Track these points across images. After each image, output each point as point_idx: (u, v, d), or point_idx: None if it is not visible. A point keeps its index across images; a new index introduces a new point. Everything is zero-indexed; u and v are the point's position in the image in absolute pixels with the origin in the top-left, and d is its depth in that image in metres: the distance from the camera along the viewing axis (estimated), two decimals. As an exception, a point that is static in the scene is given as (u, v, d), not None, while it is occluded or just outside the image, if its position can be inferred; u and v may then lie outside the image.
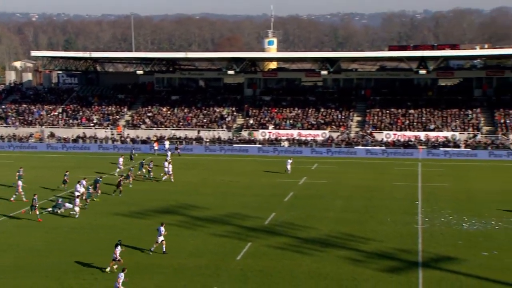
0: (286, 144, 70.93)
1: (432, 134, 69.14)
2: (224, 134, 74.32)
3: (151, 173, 52.37)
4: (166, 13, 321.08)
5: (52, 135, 76.55)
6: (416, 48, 76.14)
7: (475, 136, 67.78)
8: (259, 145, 71.13)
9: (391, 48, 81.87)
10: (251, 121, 75.92)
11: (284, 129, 73.89)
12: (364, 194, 46.18)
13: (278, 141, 71.73)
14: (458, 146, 66.49)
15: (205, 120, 77.46)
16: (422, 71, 71.73)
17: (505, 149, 65.11)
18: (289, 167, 54.44)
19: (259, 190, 48.61)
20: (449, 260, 30.56)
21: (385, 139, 69.56)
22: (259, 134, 73.50)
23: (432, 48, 77.29)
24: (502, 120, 69.83)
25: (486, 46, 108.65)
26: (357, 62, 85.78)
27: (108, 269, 28.73)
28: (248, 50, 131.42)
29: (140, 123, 78.24)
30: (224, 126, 75.98)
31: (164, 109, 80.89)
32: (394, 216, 39.56)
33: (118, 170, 54.32)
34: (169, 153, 60.34)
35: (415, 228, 36.44)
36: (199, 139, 73.76)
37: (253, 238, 34.94)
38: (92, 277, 28.05)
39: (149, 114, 79.95)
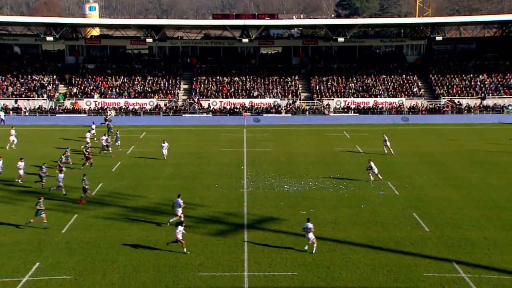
0: (113, 113, 69.01)
1: (256, 101, 71.82)
2: (45, 104, 70.11)
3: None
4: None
5: None
6: (238, 17, 77.80)
7: (294, 102, 71.83)
8: (85, 115, 68.38)
9: (215, 17, 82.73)
10: (75, 90, 72.45)
11: (110, 98, 71.69)
12: (193, 161, 46.81)
13: (104, 110, 69.48)
14: (280, 112, 69.96)
15: (23, 89, 72.23)
16: (245, 40, 73.80)
17: (320, 114, 69.91)
18: (165, 151, 47.18)
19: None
20: (272, 220, 32.34)
21: (212, 107, 70.81)
22: (83, 104, 70.51)
23: (253, 17, 79.60)
24: (317, 87, 74.74)
25: (302, 16, 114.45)
26: (183, 30, 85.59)
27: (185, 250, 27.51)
28: (68, 16, 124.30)
29: None
30: (45, 95, 71.59)
31: (-25, 77, 73.94)
32: (221, 181, 40.69)
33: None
34: (93, 126, 55.83)
35: (241, 192, 37.89)
36: (17, 109, 68.77)
37: (79, 210, 33.87)
38: None
39: (-44, 83, 72.51)
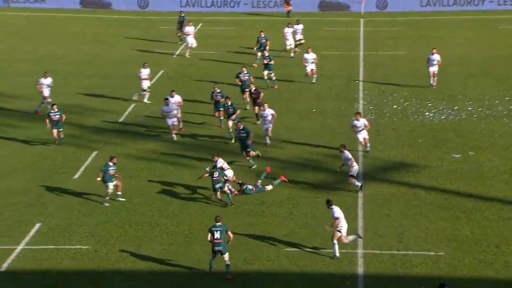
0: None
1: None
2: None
3: None
4: None
5: None
6: None
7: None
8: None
9: None
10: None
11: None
12: (275, 71, 46.65)
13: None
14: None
15: None
16: None
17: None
18: (309, 69, 44.00)
19: (109, 66, 48.37)
20: (403, 167, 32.28)
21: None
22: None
23: None
24: None
25: None
26: None
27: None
28: None
29: None
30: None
31: None
32: (323, 104, 40.80)
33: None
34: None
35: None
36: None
37: (99, 145, 35.27)
38: None
39: None
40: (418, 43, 53.86)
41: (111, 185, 28.81)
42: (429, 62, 43.52)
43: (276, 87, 42.94)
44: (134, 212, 28.39)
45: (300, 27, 51.58)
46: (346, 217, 27.35)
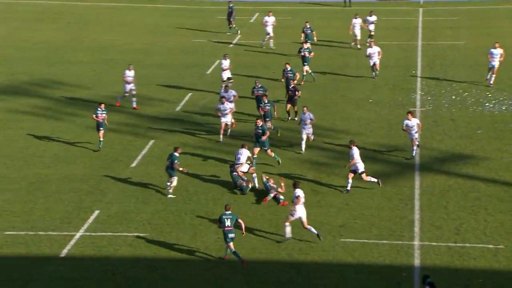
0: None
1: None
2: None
3: None
4: None
5: None
6: None
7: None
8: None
9: None
10: None
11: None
12: (330, 62, 46.73)
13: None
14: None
15: None
16: None
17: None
18: (372, 63, 43.32)
19: (166, 56, 48.83)
20: (460, 159, 32.09)
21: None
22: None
23: None
24: None
25: None
26: None
27: None
28: None
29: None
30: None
31: None
32: (379, 94, 40.61)
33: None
34: None
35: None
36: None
37: (157, 134, 35.63)
38: None
39: None
40: (479, 33, 53.35)
41: (176, 178, 28.90)
42: (490, 56, 41.29)
43: (302, 83, 41.54)
44: (190, 200, 28.72)
45: (373, 18, 50.80)
46: (403, 208, 27.44)
